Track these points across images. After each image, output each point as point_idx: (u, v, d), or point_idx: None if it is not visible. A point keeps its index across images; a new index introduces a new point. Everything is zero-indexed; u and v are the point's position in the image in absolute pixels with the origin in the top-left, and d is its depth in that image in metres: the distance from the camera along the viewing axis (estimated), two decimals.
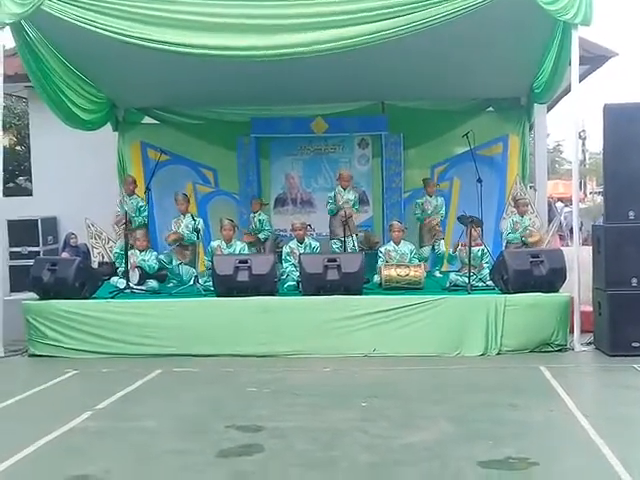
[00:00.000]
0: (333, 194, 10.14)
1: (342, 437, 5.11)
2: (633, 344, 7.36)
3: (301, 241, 9.29)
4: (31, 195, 13.03)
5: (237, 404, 6.08)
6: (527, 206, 9.90)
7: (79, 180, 11.83)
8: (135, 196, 10.26)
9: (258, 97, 10.31)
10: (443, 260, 10.32)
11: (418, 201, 10.55)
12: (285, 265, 9.25)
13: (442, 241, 10.34)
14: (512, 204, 10.30)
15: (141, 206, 10.13)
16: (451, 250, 9.26)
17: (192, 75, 9.18)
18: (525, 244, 9.34)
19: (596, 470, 4.43)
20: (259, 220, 10.54)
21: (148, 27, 7.67)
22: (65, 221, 12.28)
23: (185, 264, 9.42)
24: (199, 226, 9.28)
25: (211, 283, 8.50)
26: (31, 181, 13.28)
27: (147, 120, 11.67)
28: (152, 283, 9.07)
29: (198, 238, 9.37)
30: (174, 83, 9.77)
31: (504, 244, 9.54)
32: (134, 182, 10.42)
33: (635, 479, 4.18)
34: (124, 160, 11.37)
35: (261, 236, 10.45)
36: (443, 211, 10.50)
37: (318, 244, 9.41)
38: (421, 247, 10.26)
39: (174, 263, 9.35)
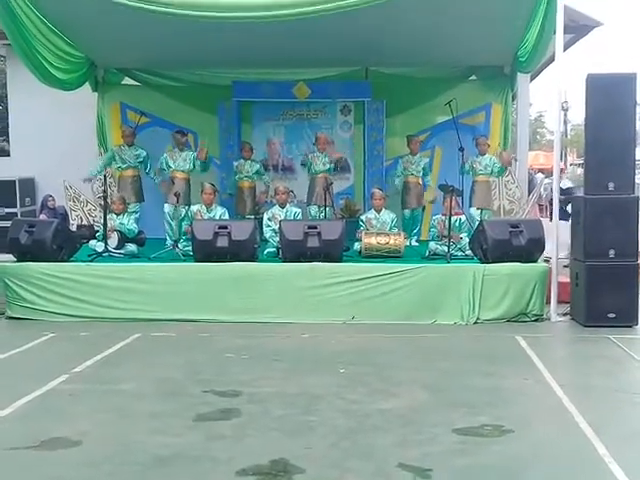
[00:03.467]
0: (310, 156, 10.22)
1: (319, 403, 5.14)
2: (609, 315, 7.44)
3: (283, 206, 9.26)
4: (9, 156, 12.84)
5: (215, 369, 6.08)
6: (486, 146, 10.00)
7: (57, 141, 11.71)
8: (134, 146, 10.39)
9: (240, 60, 10.16)
10: (421, 226, 10.41)
11: (400, 160, 10.48)
12: (266, 230, 9.22)
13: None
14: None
15: (143, 154, 10.37)
16: (432, 225, 9.23)
17: (174, 36, 8.96)
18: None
19: (569, 437, 4.50)
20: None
21: None
22: (43, 182, 12.17)
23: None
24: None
25: (190, 248, 8.46)
26: (9, 141, 13.09)
27: (127, 81, 11.49)
28: (131, 247, 8.99)
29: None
30: (155, 44, 9.56)
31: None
32: (134, 132, 10.51)
33: (607, 446, 4.25)
34: (103, 121, 11.21)
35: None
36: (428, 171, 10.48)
37: (299, 210, 9.40)
38: (403, 209, 10.25)
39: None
